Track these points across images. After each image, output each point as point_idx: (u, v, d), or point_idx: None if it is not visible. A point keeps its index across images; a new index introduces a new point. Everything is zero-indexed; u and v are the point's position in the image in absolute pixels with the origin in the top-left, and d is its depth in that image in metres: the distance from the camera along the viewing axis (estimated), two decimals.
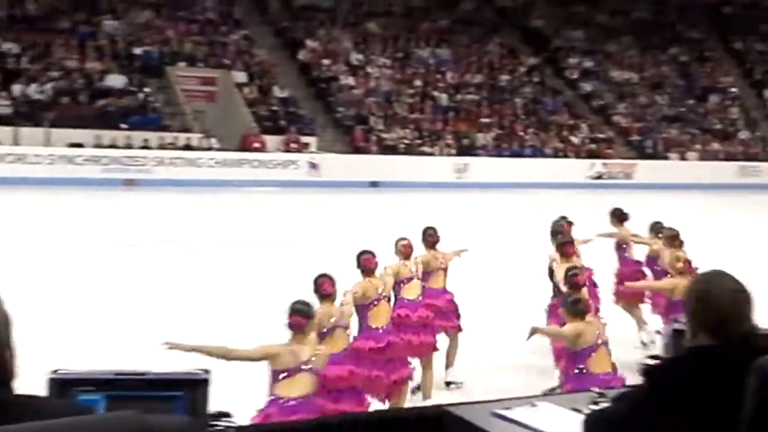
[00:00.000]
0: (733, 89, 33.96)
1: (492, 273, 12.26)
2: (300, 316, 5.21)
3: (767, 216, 22.38)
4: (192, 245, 13.86)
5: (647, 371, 2.39)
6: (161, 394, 2.97)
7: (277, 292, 10.87)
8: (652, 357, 2.77)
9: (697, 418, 2.24)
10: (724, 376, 2.20)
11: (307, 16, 29.67)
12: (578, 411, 2.81)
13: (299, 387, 5.08)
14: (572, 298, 6.13)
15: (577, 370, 5.82)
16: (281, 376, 5.09)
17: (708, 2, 37.81)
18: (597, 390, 2.91)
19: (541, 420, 2.79)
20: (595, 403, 2.77)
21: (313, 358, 5.16)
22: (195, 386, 2.96)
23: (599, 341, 5.88)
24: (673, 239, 8.31)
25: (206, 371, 2.97)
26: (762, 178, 29.40)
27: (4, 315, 1.84)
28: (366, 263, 6.65)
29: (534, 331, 6.01)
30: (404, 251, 7.40)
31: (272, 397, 5.08)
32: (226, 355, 5.20)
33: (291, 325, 5.19)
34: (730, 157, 30.44)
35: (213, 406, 2.81)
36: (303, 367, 5.10)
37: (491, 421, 2.79)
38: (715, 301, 2.33)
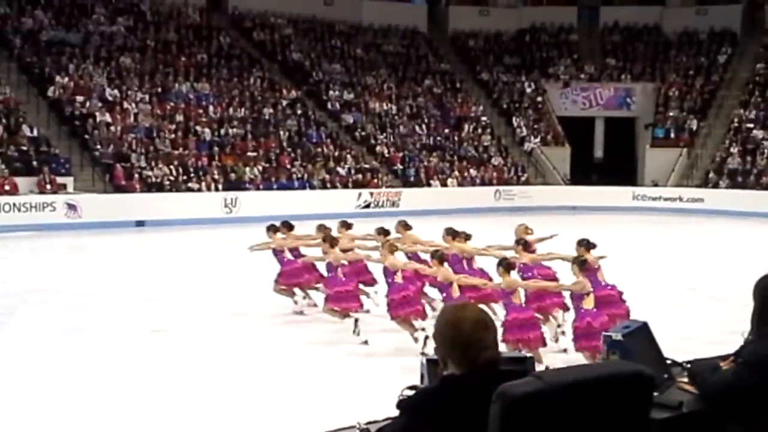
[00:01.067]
0: (484, 118, 36.10)
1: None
2: (587, 262, 8.94)
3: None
4: None
5: (403, 404, 2.40)
6: None
7: (48, 334, 10.23)
8: (411, 388, 2.78)
9: None
10: (474, 404, 2.24)
11: (54, 52, 28.22)
12: None
13: (591, 302, 8.64)
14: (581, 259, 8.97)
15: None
16: (584, 296, 8.61)
17: (453, 36, 40.08)
18: (360, 425, 2.87)
19: None
20: None
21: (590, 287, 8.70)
22: None
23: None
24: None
25: None
26: (516, 201, 31.38)
27: None
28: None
29: None
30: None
31: (583, 310, 8.63)
32: (572, 289, 8.80)
33: (587, 268, 8.82)
34: (485, 183, 32.27)
35: None
36: (590, 290, 8.67)
37: None
38: (458, 330, 2.39)
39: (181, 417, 7.51)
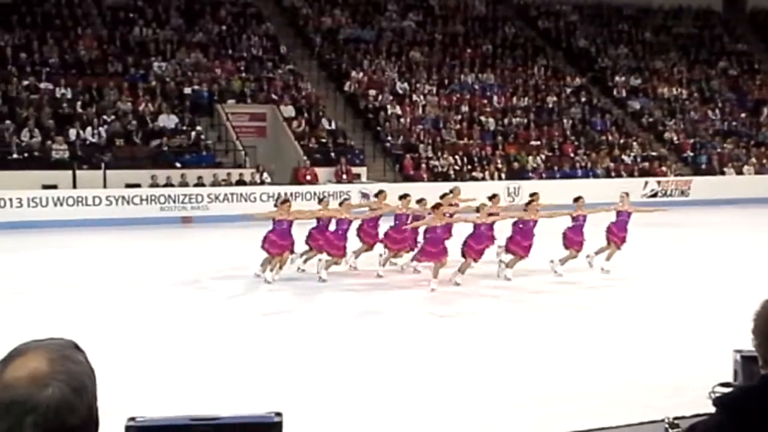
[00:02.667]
0: None
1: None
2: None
3: None
4: (254, 278, 13.95)
5: (721, 401, 2.36)
6: None
7: (345, 316, 11.06)
8: (723, 384, 2.73)
9: None
10: None
11: (351, 49, 29.99)
12: None
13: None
14: None
15: None
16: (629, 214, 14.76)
17: (752, 15, 37.36)
18: (669, 420, 2.88)
19: None
20: None
21: None
22: (268, 430, 3.00)
23: None
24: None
25: (278, 414, 3.01)
26: None
27: (91, 368, 1.77)
28: None
29: None
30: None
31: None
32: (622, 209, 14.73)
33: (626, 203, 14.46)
34: None
35: None
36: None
37: None
38: None
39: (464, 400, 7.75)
